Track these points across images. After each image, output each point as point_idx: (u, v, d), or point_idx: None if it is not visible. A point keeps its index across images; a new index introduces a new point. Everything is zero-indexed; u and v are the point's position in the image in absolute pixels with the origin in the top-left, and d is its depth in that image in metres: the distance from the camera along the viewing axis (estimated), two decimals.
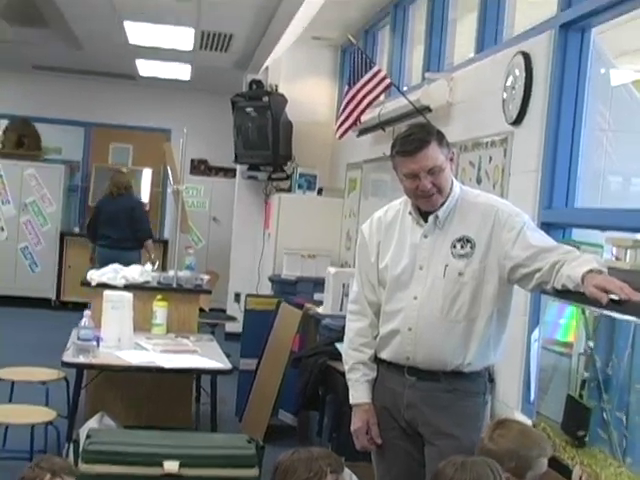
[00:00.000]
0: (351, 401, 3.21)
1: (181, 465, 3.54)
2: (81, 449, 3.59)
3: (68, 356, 4.82)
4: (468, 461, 2.48)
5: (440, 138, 3.03)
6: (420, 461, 3.08)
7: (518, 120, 4.17)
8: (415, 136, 3.00)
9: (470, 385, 3.05)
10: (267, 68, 9.25)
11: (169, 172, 6.61)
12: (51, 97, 11.63)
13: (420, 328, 3.02)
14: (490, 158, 4.50)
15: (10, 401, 5.11)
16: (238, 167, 9.46)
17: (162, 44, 8.85)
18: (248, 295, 6.94)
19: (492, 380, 3.82)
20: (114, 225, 8.75)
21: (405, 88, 6.29)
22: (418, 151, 2.96)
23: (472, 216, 3.03)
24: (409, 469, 3.12)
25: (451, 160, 3.07)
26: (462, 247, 3.00)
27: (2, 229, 11.21)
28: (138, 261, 7.86)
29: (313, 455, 2.66)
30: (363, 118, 6.20)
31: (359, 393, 3.18)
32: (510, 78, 4.24)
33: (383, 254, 3.15)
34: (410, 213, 3.11)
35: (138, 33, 8.43)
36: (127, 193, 9.03)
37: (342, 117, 6.23)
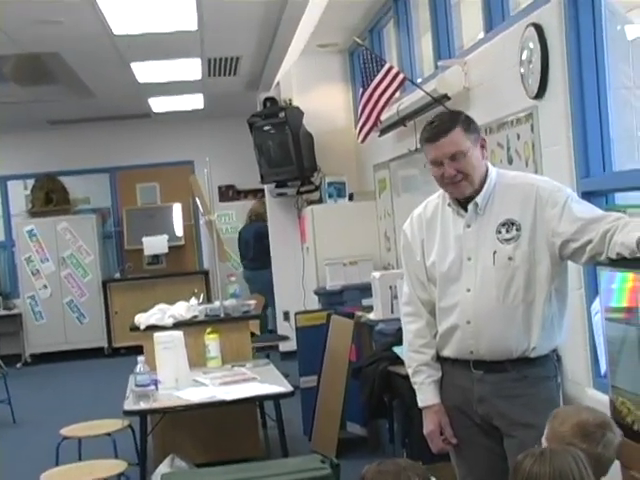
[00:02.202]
0: (420, 404, 3.15)
1: None
2: None
3: (129, 404, 4.80)
4: (547, 451, 2.31)
5: (467, 124, 2.98)
6: (502, 455, 3.01)
7: (540, 93, 4.07)
8: (438, 122, 2.98)
9: (539, 370, 2.98)
10: (278, 84, 9.21)
11: (199, 204, 6.58)
12: (71, 149, 11.68)
13: (479, 320, 2.95)
14: (518, 136, 4.41)
15: (80, 458, 5.10)
16: (266, 187, 9.42)
17: (171, 78, 8.85)
18: (297, 313, 6.89)
19: (559, 360, 3.72)
20: (247, 248, 10.08)
21: (420, 80, 6.21)
22: (440, 137, 2.93)
23: (513, 198, 2.96)
24: (491, 465, 3.04)
25: (482, 146, 3.00)
26: (507, 231, 2.93)
27: (45, 287, 11.26)
28: (270, 279, 9.20)
29: (400, 465, 2.55)
30: (382, 117, 6.13)
31: (427, 395, 3.11)
32: (525, 52, 4.15)
33: (428, 251, 3.08)
34: (449, 205, 3.05)
35: (146, 72, 8.44)
36: (257, 219, 10.37)
37: (361, 120, 6.16)
